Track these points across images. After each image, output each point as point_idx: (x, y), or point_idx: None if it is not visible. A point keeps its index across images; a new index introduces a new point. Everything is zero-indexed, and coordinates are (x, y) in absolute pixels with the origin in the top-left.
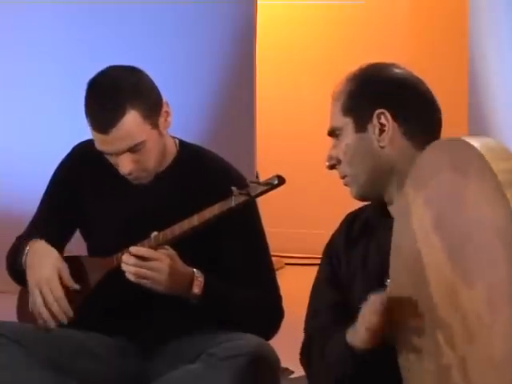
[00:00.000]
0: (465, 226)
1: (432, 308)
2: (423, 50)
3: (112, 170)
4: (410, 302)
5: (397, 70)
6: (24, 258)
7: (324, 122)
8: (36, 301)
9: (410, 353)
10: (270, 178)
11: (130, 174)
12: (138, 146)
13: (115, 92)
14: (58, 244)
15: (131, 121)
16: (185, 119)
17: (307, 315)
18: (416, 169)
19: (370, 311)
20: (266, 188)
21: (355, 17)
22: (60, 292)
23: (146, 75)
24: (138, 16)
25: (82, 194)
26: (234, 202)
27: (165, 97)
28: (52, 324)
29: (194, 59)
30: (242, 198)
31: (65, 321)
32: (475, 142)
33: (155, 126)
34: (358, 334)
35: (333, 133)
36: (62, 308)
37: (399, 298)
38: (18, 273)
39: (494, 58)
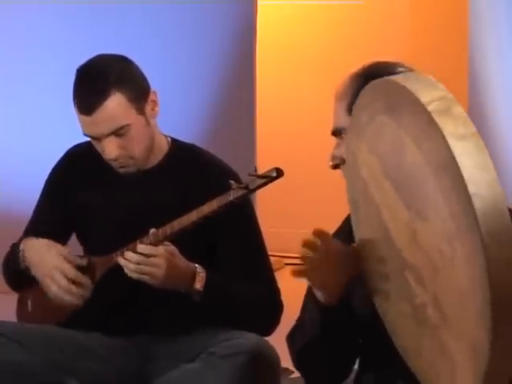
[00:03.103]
0: (408, 162)
1: (397, 252)
2: (423, 50)
3: (106, 171)
4: (375, 250)
5: (401, 69)
6: (21, 257)
7: (324, 121)
8: (52, 290)
9: (385, 300)
10: (268, 171)
11: (115, 159)
12: (122, 130)
13: (101, 75)
14: None
15: (116, 103)
16: (185, 119)
17: (302, 307)
18: (354, 117)
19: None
20: (264, 181)
21: (355, 17)
22: (73, 272)
23: (135, 64)
24: (138, 16)
25: (77, 196)
26: (232, 195)
27: (165, 97)
28: (80, 302)
29: (194, 59)
30: (241, 192)
31: (88, 294)
32: (404, 77)
33: (141, 111)
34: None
35: (337, 132)
36: (81, 285)
37: (365, 249)
38: (15, 278)
39: (494, 58)
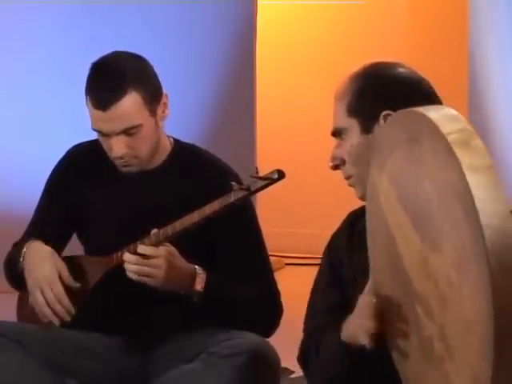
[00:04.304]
0: (424, 193)
1: (408, 282)
2: (423, 50)
3: (107, 171)
4: (390, 285)
5: (401, 70)
6: (21, 259)
7: (324, 121)
8: (38, 300)
9: (397, 335)
10: (269, 173)
11: (121, 158)
12: (133, 129)
13: (120, 73)
14: (56, 246)
15: (132, 101)
16: (185, 119)
17: (306, 315)
18: (375, 148)
19: (363, 315)
20: (266, 183)
21: (355, 17)
22: (61, 290)
23: (151, 64)
24: (138, 16)
25: (78, 196)
26: (233, 197)
27: None
28: (56, 322)
29: (193, 59)
30: (242, 193)
31: (68, 318)
32: (428, 109)
33: (153, 113)
34: (353, 336)
35: (337, 133)
36: (63, 306)
37: (380, 284)
38: (16, 278)
39: (494, 58)
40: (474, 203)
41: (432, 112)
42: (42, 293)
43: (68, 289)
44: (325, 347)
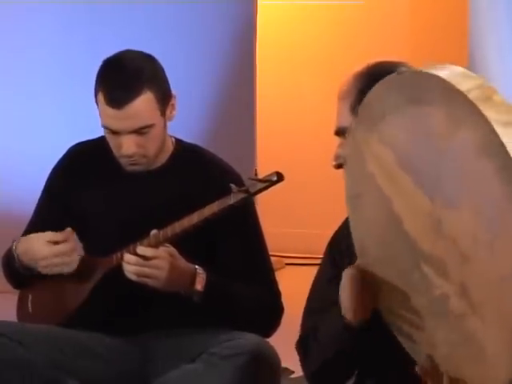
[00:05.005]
0: (434, 153)
1: (411, 244)
2: (423, 50)
3: (108, 170)
4: (381, 248)
5: (404, 69)
6: (16, 257)
7: (324, 121)
8: (58, 271)
9: (393, 303)
10: (268, 175)
11: (131, 156)
12: (145, 129)
13: (136, 71)
14: None
15: (146, 101)
16: (185, 119)
17: (305, 312)
18: (363, 110)
19: (344, 289)
20: (265, 185)
21: (355, 17)
22: (55, 249)
23: (161, 64)
24: (138, 16)
25: (78, 195)
26: (233, 199)
27: None
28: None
29: (194, 59)
30: (241, 195)
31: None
32: (432, 70)
33: (163, 114)
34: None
35: (340, 132)
36: (69, 254)
37: (367, 249)
38: (15, 276)
39: (495, 58)
40: (509, 155)
41: (441, 71)
42: (55, 266)
43: (67, 291)
44: (324, 328)
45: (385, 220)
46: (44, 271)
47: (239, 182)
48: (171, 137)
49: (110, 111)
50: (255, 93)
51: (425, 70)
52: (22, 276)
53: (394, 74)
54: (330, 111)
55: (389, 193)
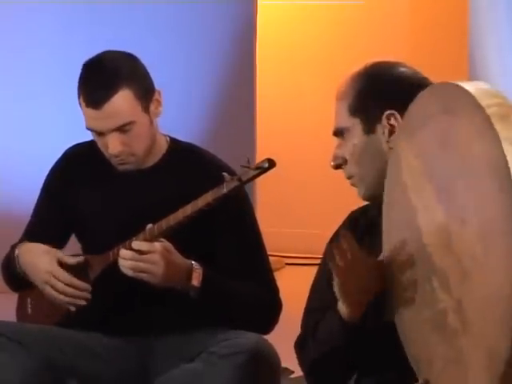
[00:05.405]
0: (454, 165)
1: (427, 256)
2: (423, 50)
3: (104, 170)
4: (406, 256)
5: (403, 69)
6: (17, 263)
7: (324, 121)
8: (51, 294)
9: (405, 306)
10: (260, 162)
11: (117, 155)
12: (127, 126)
13: (111, 70)
14: (55, 246)
15: (124, 98)
16: (185, 119)
17: (305, 312)
18: (406, 118)
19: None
20: (257, 172)
21: (355, 17)
22: (66, 275)
23: (141, 62)
24: (138, 16)
25: (75, 196)
26: (226, 188)
27: (165, 96)
28: (80, 302)
29: (193, 59)
30: (234, 184)
31: (87, 296)
32: (463, 83)
33: (146, 110)
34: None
35: (338, 133)
36: (76, 287)
37: (394, 256)
38: (14, 280)
39: (494, 58)
40: (510, 175)
41: (469, 85)
42: (52, 286)
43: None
44: (322, 324)
45: (410, 231)
46: (40, 286)
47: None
48: (166, 135)
49: (91, 112)
50: (255, 93)
51: (456, 82)
52: (23, 280)
53: (436, 84)
54: (330, 111)
55: (415, 203)
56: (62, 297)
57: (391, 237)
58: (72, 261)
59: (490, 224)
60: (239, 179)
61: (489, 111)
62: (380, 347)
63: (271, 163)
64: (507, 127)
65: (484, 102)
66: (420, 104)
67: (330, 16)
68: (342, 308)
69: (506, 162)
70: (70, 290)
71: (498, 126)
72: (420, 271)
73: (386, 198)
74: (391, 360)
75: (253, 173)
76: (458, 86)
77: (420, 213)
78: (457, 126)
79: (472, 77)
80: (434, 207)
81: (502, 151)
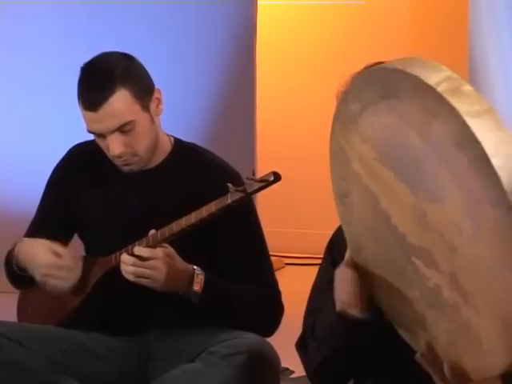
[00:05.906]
0: (413, 145)
1: (401, 239)
2: (423, 50)
3: (109, 170)
4: (374, 245)
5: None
6: (16, 260)
7: (325, 121)
8: (56, 285)
9: (390, 292)
10: (265, 175)
11: (120, 156)
12: (127, 126)
13: (107, 72)
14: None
15: (121, 98)
16: (185, 119)
17: (306, 312)
18: (341, 109)
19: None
20: (261, 185)
21: (355, 17)
22: (60, 261)
23: (138, 61)
24: (138, 16)
25: (79, 195)
26: (230, 199)
27: (165, 96)
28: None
29: (194, 59)
30: (239, 195)
31: (78, 274)
32: (399, 65)
33: (146, 108)
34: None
35: None
36: (71, 268)
37: (363, 248)
38: (15, 277)
39: (494, 58)
40: (482, 148)
41: (409, 66)
42: (54, 277)
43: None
44: (320, 324)
45: (374, 217)
46: (40, 279)
47: (238, 181)
48: (170, 136)
49: (89, 115)
50: (255, 93)
51: (392, 65)
52: (19, 276)
53: (369, 68)
54: (330, 111)
55: (374, 190)
56: (64, 283)
57: (356, 229)
58: (64, 251)
59: (470, 197)
60: (244, 191)
61: (439, 88)
62: (380, 347)
63: (276, 177)
64: (463, 100)
65: (431, 81)
66: (353, 92)
67: (330, 16)
68: (354, 310)
69: (472, 134)
70: (72, 274)
71: (453, 102)
72: (395, 253)
73: (337, 191)
74: (391, 360)
75: (257, 185)
76: (396, 69)
77: (382, 198)
78: (404, 109)
79: (472, 76)
80: (398, 189)
81: (465, 124)
